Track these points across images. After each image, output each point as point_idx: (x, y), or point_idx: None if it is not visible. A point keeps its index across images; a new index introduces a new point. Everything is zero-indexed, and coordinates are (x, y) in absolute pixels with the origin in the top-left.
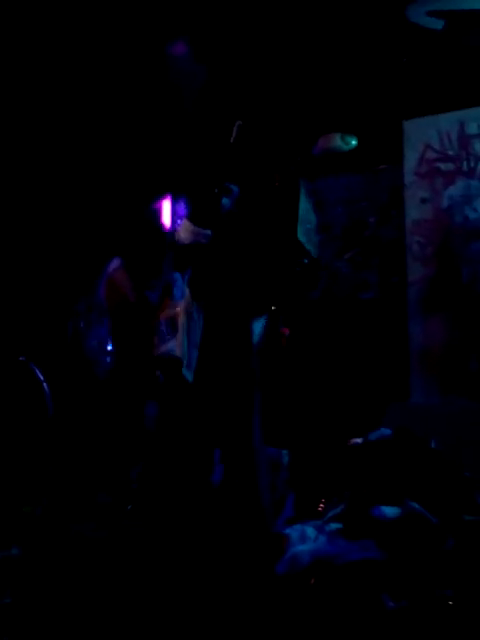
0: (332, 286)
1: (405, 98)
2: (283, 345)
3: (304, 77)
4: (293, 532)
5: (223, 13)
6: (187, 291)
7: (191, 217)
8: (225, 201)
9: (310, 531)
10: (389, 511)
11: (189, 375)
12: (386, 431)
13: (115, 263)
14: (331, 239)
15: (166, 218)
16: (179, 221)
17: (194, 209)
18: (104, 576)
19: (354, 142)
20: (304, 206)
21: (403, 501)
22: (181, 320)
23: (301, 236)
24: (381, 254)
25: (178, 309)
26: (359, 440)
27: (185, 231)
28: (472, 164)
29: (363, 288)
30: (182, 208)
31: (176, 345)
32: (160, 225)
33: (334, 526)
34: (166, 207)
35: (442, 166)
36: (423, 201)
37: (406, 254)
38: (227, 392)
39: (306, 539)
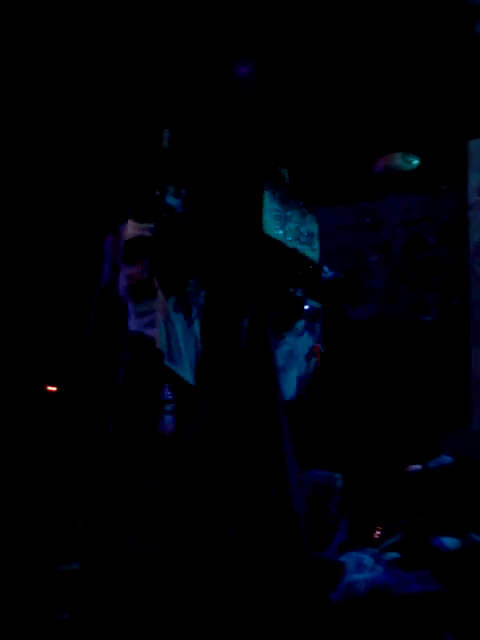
0: (390, 307)
1: (470, 117)
2: (318, 362)
3: (369, 95)
4: (349, 560)
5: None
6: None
7: (134, 216)
8: (174, 201)
9: (367, 559)
10: (449, 542)
11: (189, 376)
12: (446, 459)
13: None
14: (389, 259)
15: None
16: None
17: (137, 209)
18: (153, 593)
19: (416, 162)
20: (271, 206)
21: (464, 532)
22: (157, 317)
23: (271, 231)
24: (441, 275)
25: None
26: (418, 467)
27: (130, 228)
28: None
29: (422, 310)
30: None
31: (154, 334)
32: None
33: (391, 555)
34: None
35: None
36: None
37: (469, 275)
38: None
39: (363, 567)
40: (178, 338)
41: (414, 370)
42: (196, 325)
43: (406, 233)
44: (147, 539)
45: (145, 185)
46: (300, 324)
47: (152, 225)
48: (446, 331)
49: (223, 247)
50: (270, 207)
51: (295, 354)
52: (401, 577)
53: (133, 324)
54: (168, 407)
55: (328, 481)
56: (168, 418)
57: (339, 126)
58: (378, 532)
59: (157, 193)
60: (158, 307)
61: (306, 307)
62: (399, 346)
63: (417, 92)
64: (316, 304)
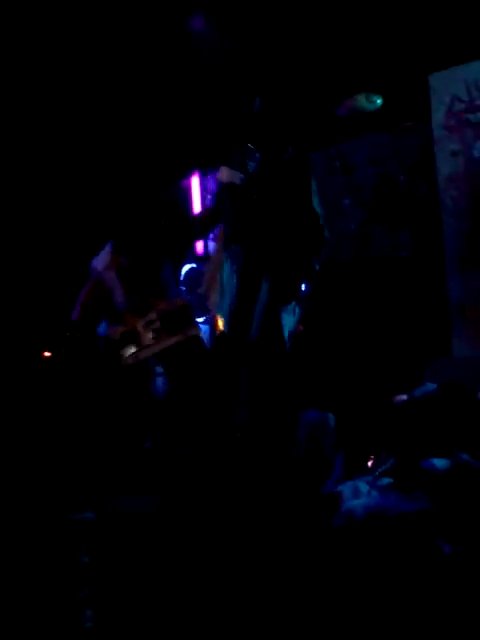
0: (366, 247)
1: (428, 51)
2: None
3: (323, 38)
4: (346, 489)
5: None
6: (218, 244)
7: (229, 163)
8: (250, 164)
9: (362, 486)
10: (439, 463)
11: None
12: (431, 386)
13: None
14: (362, 201)
15: (195, 194)
16: (209, 196)
17: (230, 158)
18: (163, 544)
19: (379, 101)
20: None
21: (452, 452)
22: (212, 273)
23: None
24: (414, 212)
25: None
26: (404, 396)
27: (224, 173)
28: None
29: (397, 247)
30: (212, 183)
31: (209, 300)
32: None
33: (385, 480)
34: (195, 184)
35: (471, 117)
36: (454, 154)
37: (440, 210)
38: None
39: (359, 494)
40: (224, 285)
41: (395, 306)
42: (234, 279)
43: (375, 173)
44: (150, 493)
45: (236, 140)
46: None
47: (243, 175)
48: (423, 266)
49: (277, 214)
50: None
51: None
52: (396, 499)
53: None
54: (159, 369)
55: (322, 420)
56: (160, 380)
57: (300, 70)
58: (371, 461)
59: (250, 146)
60: (215, 257)
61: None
62: (378, 285)
63: (373, 31)
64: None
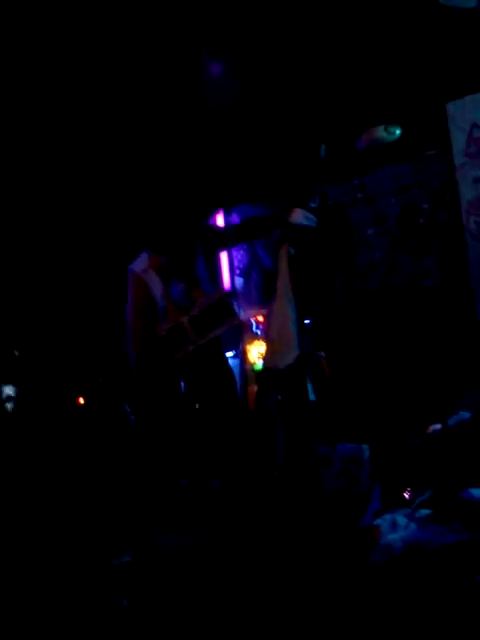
0: (392, 276)
1: (445, 80)
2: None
3: (341, 72)
4: (383, 522)
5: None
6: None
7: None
8: (313, 205)
9: (400, 519)
10: (478, 493)
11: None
12: (465, 414)
13: (142, 261)
14: (386, 230)
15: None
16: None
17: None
18: (201, 583)
19: (398, 131)
20: None
21: None
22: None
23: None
24: (438, 239)
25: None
26: (438, 426)
27: (298, 215)
28: None
29: (423, 275)
30: (235, 218)
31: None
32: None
33: (423, 512)
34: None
35: None
36: (476, 180)
37: (465, 235)
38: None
39: (397, 527)
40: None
41: (425, 335)
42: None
43: (399, 202)
44: (186, 532)
45: (305, 184)
46: None
47: (315, 217)
48: (450, 293)
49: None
50: None
51: None
52: (435, 531)
53: None
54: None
55: (356, 453)
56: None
57: (319, 109)
58: (408, 493)
59: (318, 188)
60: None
61: None
62: (407, 313)
63: (390, 62)
64: None
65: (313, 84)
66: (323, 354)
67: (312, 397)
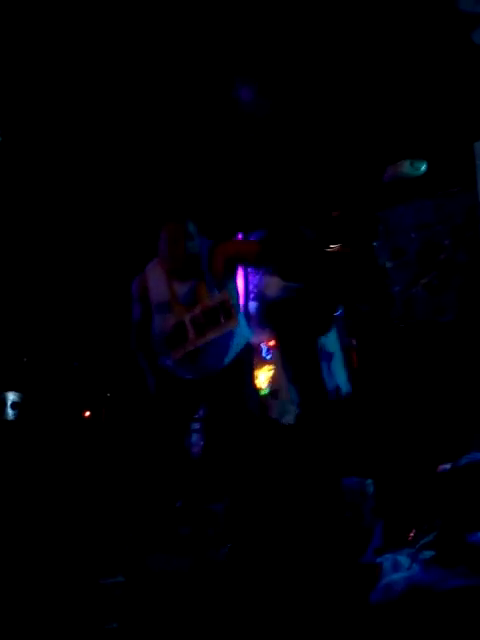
0: (410, 310)
1: (473, 119)
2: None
3: (369, 106)
4: (385, 561)
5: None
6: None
7: (279, 272)
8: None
9: (403, 559)
10: None
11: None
12: (477, 455)
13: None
14: (405, 265)
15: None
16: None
17: (281, 260)
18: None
19: (424, 167)
20: None
21: None
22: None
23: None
24: (458, 276)
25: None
26: (448, 466)
27: (272, 286)
28: None
29: (441, 311)
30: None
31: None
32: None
33: (427, 554)
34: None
35: None
36: None
37: None
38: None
39: (399, 567)
40: None
41: (440, 371)
42: None
43: (420, 238)
44: (180, 554)
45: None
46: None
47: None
48: (467, 330)
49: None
50: None
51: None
52: (439, 574)
53: None
54: (195, 425)
55: (360, 487)
56: (195, 437)
57: (345, 142)
58: (412, 533)
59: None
60: None
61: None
62: (422, 349)
63: (419, 98)
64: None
65: (342, 115)
66: (355, 343)
67: (347, 388)
